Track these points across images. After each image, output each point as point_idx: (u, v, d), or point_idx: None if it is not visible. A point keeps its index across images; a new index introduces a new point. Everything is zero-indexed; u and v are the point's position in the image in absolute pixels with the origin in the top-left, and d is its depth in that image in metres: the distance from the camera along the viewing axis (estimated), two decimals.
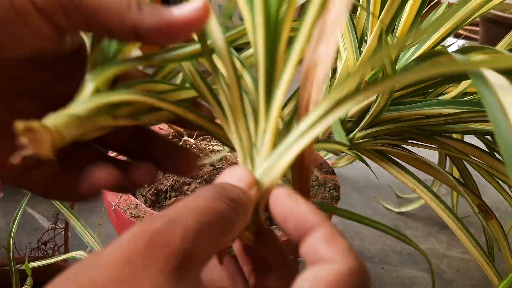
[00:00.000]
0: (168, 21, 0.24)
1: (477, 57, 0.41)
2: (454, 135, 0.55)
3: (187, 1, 0.24)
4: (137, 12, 0.24)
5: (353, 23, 0.52)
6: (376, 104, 0.48)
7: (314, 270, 0.22)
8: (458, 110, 0.44)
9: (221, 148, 0.62)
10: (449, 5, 0.66)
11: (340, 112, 0.23)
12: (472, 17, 0.51)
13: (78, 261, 0.19)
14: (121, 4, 0.24)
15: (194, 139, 0.62)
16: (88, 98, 0.24)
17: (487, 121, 0.45)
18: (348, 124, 0.55)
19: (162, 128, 0.65)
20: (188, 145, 0.63)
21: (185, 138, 0.62)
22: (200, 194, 0.22)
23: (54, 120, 0.23)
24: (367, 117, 0.51)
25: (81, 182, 0.27)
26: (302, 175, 0.27)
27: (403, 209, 0.95)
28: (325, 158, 0.67)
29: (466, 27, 1.76)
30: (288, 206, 0.24)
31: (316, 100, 0.25)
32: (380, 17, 0.45)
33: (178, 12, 0.24)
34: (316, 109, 0.24)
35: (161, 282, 0.18)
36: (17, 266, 0.51)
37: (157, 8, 0.24)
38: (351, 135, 0.54)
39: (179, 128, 0.64)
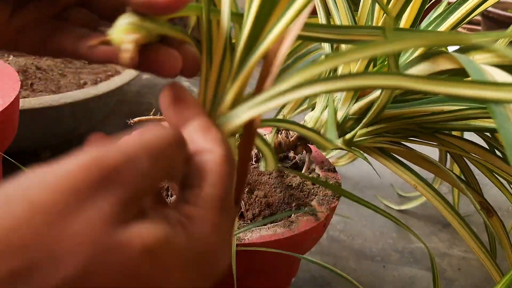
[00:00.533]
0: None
1: (477, 56, 0.41)
2: (454, 132, 0.55)
3: None
4: None
5: (354, 21, 0.52)
6: (378, 102, 0.48)
7: (199, 164, 0.24)
8: (459, 107, 0.44)
9: None
10: (449, 3, 0.66)
11: (300, 93, 0.24)
12: (472, 16, 0.51)
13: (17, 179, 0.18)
14: None
15: None
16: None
17: (488, 117, 0.45)
18: (350, 122, 0.55)
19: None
20: None
21: None
22: (157, 133, 0.22)
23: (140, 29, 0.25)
24: (369, 114, 0.51)
25: (77, 43, 0.29)
26: (246, 142, 0.29)
27: (404, 207, 0.95)
28: (326, 156, 0.67)
29: (469, 26, 1.76)
30: (175, 95, 0.26)
31: (274, 77, 0.27)
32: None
33: None
34: (279, 84, 0.25)
35: (107, 218, 0.18)
36: None
37: None
38: (352, 133, 0.54)
39: None
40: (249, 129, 0.28)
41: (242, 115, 0.27)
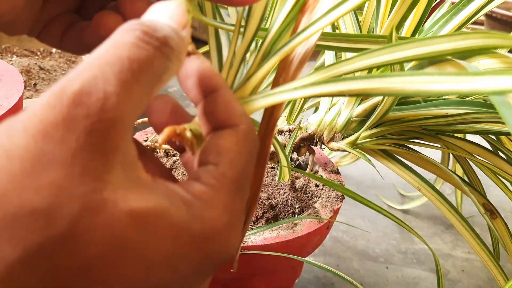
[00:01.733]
0: None
1: (483, 61, 0.41)
2: (457, 134, 0.55)
3: None
4: None
5: (358, 23, 0.52)
6: (382, 105, 0.48)
7: (217, 140, 0.22)
8: (464, 111, 0.44)
9: None
10: (453, 4, 0.66)
11: (316, 90, 0.24)
12: (477, 17, 0.51)
13: None
14: None
15: None
16: None
17: (493, 122, 0.45)
18: (353, 124, 0.55)
19: None
20: None
21: None
22: (121, 39, 0.19)
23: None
24: (373, 117, 0.51)
25: (90, 30, 0.30)
26: (266, 134, 0.28)
27: (406, 207, 0.95)
28: (329, 157, 0.67)
29: (472, 26, 1.75)
30: (195, 66, 0.25)
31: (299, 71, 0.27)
32: (391, 16, 0.45)
33: None
34: (298, 80, 0.25)
35: (83, 158, 0.16)
36: None
37: None
38: (356, 135, 0.53)
39: None
40: (270, 118, 0.27)
41: (266, 99, 0.25)
